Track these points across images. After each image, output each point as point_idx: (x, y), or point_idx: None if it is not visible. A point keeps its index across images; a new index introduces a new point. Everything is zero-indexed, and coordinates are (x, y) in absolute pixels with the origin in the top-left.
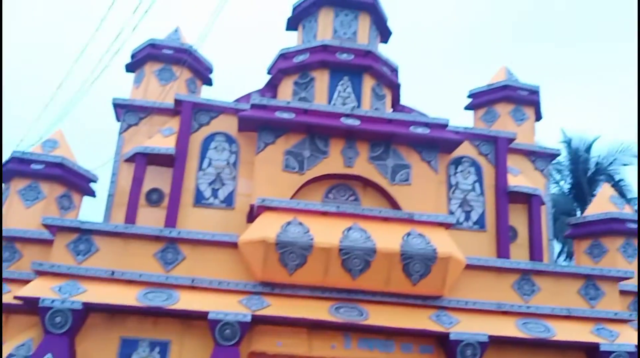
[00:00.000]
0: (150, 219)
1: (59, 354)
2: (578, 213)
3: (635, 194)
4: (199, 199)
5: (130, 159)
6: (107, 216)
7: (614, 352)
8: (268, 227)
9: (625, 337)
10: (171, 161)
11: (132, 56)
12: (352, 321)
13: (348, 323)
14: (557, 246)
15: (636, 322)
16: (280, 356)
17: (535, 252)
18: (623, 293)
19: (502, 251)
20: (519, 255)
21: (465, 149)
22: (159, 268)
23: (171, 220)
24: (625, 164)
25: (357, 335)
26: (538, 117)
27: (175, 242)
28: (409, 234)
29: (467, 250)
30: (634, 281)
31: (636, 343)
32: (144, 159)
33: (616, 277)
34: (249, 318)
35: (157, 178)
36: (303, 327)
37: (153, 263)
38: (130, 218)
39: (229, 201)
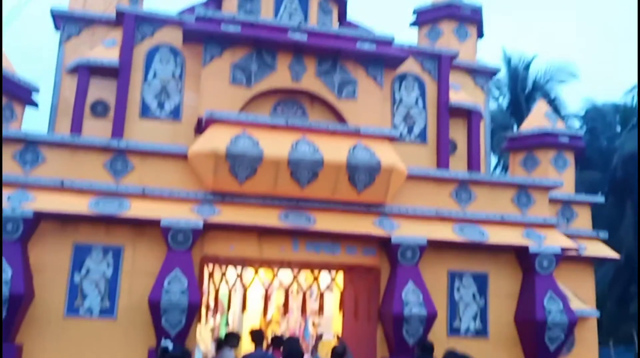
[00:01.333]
0: (96, 131)
1: (11, 260)
2: (515, 128)
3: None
4: (145, 112)
5: (73, 71)
6: (52, 128)
7: (541, 253)
8: (218, 139)
9: (552, 240)
10: (115, 73)
11: None
12: (300, 226)
13: (296, 228)
14: (494, 160)
15: (562, 226)
16: (232, 259)
17: (473, 164)
18: (552, 201)
19: (442, 162)
20: (457, 166)
21: (410, 66)
22: (109, 178)
23: (118, 132)
24: (561, 82)
25: (305, 240)
26: (480, 35)
27: (124, 153)
28: (355, 147)
29: (409, 161)
30: (562, 190)
31: (561, 245)
32: (87, 71)
33: (546, 186)
34: (200, 225)
35: (102, 90)
36: (254, 232)
37: (103, 173)
38: (76, 129)
39: (175, 114)
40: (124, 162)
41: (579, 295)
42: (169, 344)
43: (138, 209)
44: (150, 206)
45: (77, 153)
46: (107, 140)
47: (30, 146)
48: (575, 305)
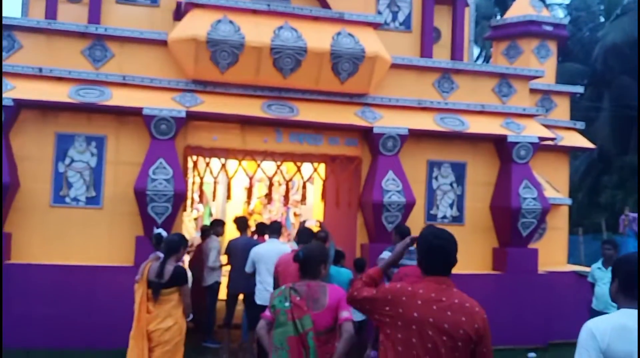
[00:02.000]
0: (71, 16)
1: None
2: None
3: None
4: None
5: None
6: (25, 12)
7: (519, 142)
8: (198, 25)
9: (530, 130)
10: None
11: None
12: (283, 117)
13: (279, 119)
14: (476, 51)
15: (541, 116)
16: (215, 149)
17: (456, 53)
18: (533, 91)
19: (426, 51)
20: (441, 54)
21: None
22: (88, 66)
23: (94, 17)
24: None
25: (288, 130)
26: None
27: (102, 39)
28: (338, 34)
29: (393, 49)
30: (543, 80)
31: (538, 134)
32: None
33: (527, 76)
34: (183, 114)
35: None
36: (237, 122)
37: (82, 61)
38: (50, 14)
39: None
40: (103, 49)
41: (554, 184)
42: (162, 231)
43: (119, 97)
44: (131, 94)
45: (53, 39)
46: (85, 25)
47: (5, 32)
48: (549, 193)
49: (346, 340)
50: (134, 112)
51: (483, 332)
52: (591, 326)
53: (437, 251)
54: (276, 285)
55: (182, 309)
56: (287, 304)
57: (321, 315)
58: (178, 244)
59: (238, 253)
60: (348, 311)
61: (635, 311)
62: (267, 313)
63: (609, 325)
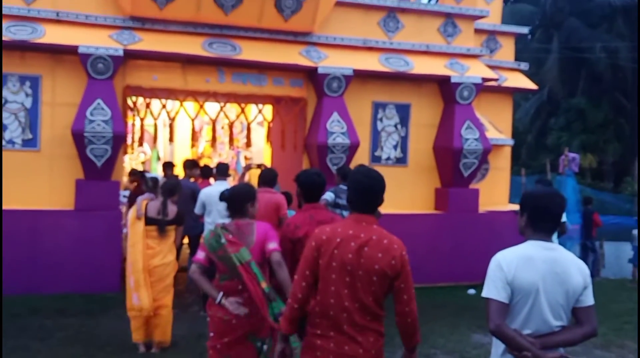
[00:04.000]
0: None
1: None
2: None
3: None
4: None
5: None
6: None
7: (462, 83)
8: None
9: (474, 70)
10: None
11: None
12: (225, 56)
13: (222, 58)
14: None
15: (486, 57)
16: (155, 89)
17: None
18: (478, 31)
19: None
20: None
21: None
22: (19, 1)
23: None
24: None
25: (231, 70)
26: None
27: None
28: None
29: None
30: (489, 20)
31: (482, 75)
32: None
33: (473, 16)
34: (121, 52)
35: None
36: (177, 61)
37: None
38: None
39: None
40: None
41: (497, 125)
42: (155, 175)
43: (53, 35)
44: (66, 32)
45: None
46: None
47: None
48: (492, 134)
49: (281, 267)
50: (70, 51)
51: (400, 268)
52: (499, 258)
53: (362, 190)
54: None
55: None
56: (222, 241)
57: (254, 249)
58: (175, 186)
59: (181, 195)
60: (275, 243)
61: (541, 243)
62: (200, 256)
63: (515, 256)
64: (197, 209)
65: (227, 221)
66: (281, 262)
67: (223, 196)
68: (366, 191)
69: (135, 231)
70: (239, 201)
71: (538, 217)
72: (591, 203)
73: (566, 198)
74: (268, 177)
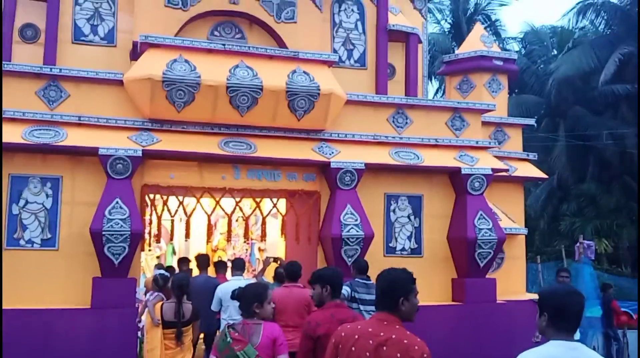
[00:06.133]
0: (27, 56)
1: None
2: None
3: (511, 33)
4: (77, 36)
5: None
6: None
7: (472, 174)
8: (153, 65)
9: (483, 161)
10: None
11: None
12: (240, 154)
13: (237, 155)
14: (435, 84)
15: (495, 148)
16: (173, 188)
17: (410, 88)
18: (485, 124)
19: (381, 87)
20: (395, 90)
21: None
22: (43, 106)
23: (50, 58)
24: (502, 5)
25: (246, 167)
26: None
27: (57, 79)
28: (294, 72)
29: (348, 86)
30: (496, 113)
31: (491, 166)
32: None
33: (480, 109)
34: (139, 153)
35: (31, 13)
36: (194, 160)
37: (36, 101)
38: (5, 55)
39: (109, 38)
40: (58, 89)
41: (509, 214)
42: (163, 272)
43: (75, 138)
44: (87, 134)
45: (8, 80)
46: (40, 66)
47: None
48: (505, 223)
49: None
50: (90, 152)
51: None
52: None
53: (382, 289)
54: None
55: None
56: (228, 340)
57: (259, 349)
58: (188, 283)
59: (199, 291)
60: (285, 355)
61: (565, 342)
62: (214, 355)
63: (539, 356)
64: (214, 306)
65: (239, 318)
66: None
67: (233, 295)
68: (385, 289)
69: (152, 337)
70: (245, 301)
71: (559, 317)
72: (611, 289)
73: (584, 288)
74: (293, 271)
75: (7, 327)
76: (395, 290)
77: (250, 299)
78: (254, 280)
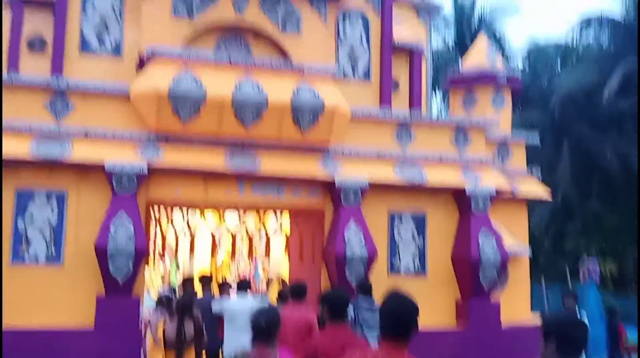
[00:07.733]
0: (34, 68)
1: None
2: (460, 64)
3: (515, 47)
4: (84, 47)
5: (6, 3)
6: None
7: (476, 193)
8: (159, 78)
9: (487, 179)
10: (51, 6)
11: None
12: (245, 169)
13: (242, 173)
14: (440, 98)
15: (499, 165)
16: (178, 203)
17: (414, 102)
18: (489, 140)
19: (385, 101)
20: (400, 103)
21: (354, 1)
22: (49, 119)
23: (57, 69)
24: (506, 18)
25: (251, 182)
26: None
27: (64, 92)
28: (299, 87)
29: (352, 100)
30: (499, 128)
31: (495, 183)
32: (20, 3)
33: (483, 126)
34: (145, 169)
35: (39, 24)
36: (199, 176)
37: (43, 114)
38: (13, 66)
39: (116, 50)
40: (65, 102)
41: (513, 233)
42: (167, 293)
43: (80, 152)
44: (92, 148)
45: (15, 92)
46: (47, 79)
47: None
48: (508, 243)
49: None
50: (96, 167)
51: None
52: None
53: (393, 319)
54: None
55: None
56: None
57: None
58: (191, 304)
59: (206, 310)
60: None
61: None
62: None
63: None
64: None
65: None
66: None
67: (259, 325)
68: (396, 320)
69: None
70: (273, 331)
71: (567, 346)
72: (617, 315)
73: (589, 310)
74: (299, 291)
75: (8, 348)
76: (409, 322)
77: (277, 327)
78: (259, 297)
